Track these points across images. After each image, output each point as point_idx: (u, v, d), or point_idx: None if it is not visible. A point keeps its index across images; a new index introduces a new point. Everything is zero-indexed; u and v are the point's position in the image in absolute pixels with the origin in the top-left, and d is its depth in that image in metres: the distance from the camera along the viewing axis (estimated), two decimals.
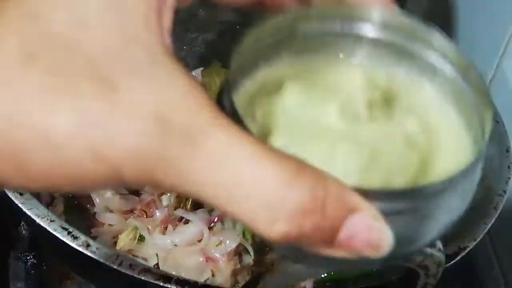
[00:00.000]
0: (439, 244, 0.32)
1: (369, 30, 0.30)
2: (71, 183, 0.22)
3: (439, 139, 0.29)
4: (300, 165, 0.22)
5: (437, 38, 0.29)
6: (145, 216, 0.60)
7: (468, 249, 0.47)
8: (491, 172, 0.56)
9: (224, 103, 0.25)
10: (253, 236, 0.58)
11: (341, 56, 0.31)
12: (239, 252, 0.58)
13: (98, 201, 0.60)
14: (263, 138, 0.26)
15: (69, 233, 0.44)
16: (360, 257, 0.23)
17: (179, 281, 0.42)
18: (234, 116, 0.23)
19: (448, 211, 0.26)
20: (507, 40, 0.69)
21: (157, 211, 0.60)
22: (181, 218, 0.59)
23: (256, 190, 0.21)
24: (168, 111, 0.21)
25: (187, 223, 0.59)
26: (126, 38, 0.22)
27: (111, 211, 0.60)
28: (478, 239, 0.49)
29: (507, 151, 0.57)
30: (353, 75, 0.30)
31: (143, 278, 0.42)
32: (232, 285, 0.57)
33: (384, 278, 0.48)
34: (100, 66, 0.21)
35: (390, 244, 0.23)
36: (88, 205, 0.60)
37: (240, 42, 0.27)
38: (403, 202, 0.24)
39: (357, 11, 0.29)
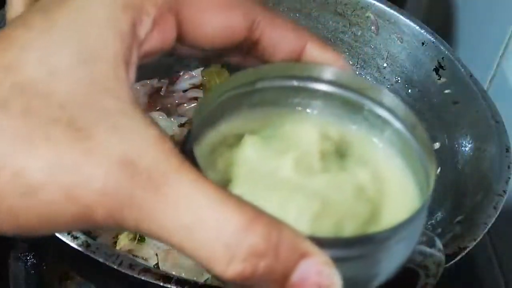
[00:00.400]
0: (439, 244, 0.33)
1: (324, 86, 0.32)
2: (44, 224, 0.24)
3: (388, 189, 0.32)
4: (257, 212, 0.23)
5: (387, 96, 0.32)
6: None
7: (468, 249, 0.47)
8: (491, 172, 0.56)
9: (187, 153, 0.26)
10: None
11: (297, 109, 0.34)
12: None
13: None
14: (223, 186, 0.28)
15: (68, 233, 0.44)
16: None
17: (179, 281, 0.42)
18: (195, 166, 0.25)
19: (395, 256, 0.28)
20: (507, 40, 0.69)
21: None
22: None
23: (215, 232, 0.23)
24: (136, 158, 0.23)
25: None
26: (97, 88, 0.24)
27: None
28: (478, 239, 0.49)
29: (507, 150, 0.57)
30: (308, 128, 0.32)
31: (143, 278, 0.42)
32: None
33: None
34: (73, 114, 0.23)
35: (338, 286, 0.24)
36: None
37: (205, 95, 0.29)
38: (351, 249, 0.26)
39: (313, 69, 0.32)
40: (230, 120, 0.32)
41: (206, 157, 0.30)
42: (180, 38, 0.29)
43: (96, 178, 0.23)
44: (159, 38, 0.27)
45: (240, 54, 0.32)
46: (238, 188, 0.29)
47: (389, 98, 0.32)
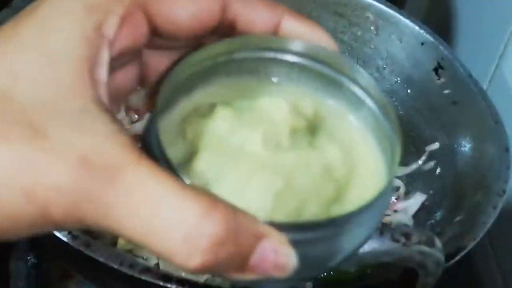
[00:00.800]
0: (439, 244, 0.33)
1: (301, 60, 0.32)
2: (6, 227, 0.24)
3: (358, 169, 0.31)
4: (213, 200, 0.24)
5: (361, 73, 0.31)
6: None
7: (467, 249, 0.47)
8: (490, 172, 0.56)
9: (151, 126, 0.27)
10: None
11: (273, 82, 0.33)
12: None
13: None
14: (189, 156, 0.29)
15: (69, 232, 0.44)
16: (268, 277, 0.25)
17: (179, 280, 0.42)
18: (157, 143, 0.26)
19: (355, 239, 0.28)
20: (506, 41, 0.69)
21: None
22: None
23: (172, 224, 0.23)
24: (92, 153, 0.24)
25: None
26: (60, 91, 0.25)
27: None
28: (478, 239, 0.49)
29: (506, 150, 0.57)
30: (282, 102, 0.32)
31: (143, 278, 0.42)
32: (232, 285, 0.56)
33: (383, 278, 0.48)
34: (33, 116, 0.24)
35: (294, 265, 0.25)
36: None
37: (177, 64, 0.29)
38: (310, 233, 0.26)
39: (291, 42, 0.32)
40: (204, 88, 0.32)
41: (176, 125, 0.31)
42: (155, 31, 0.29)
43: (53, 176, 0.23)
44: (130, 36, 0.28)
45: (218, 38, 0.32)
46: (203, 160, 0.29)
47: (362, 76, 0.32)
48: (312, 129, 0.32)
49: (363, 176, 0.31)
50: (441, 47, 0.65)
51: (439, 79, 0.65)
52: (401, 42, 0.68)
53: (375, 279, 0.54)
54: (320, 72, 0.32)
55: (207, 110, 0.31)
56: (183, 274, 0.54)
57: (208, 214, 0.23)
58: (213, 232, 0.23)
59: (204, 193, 0.24)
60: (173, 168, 0.25)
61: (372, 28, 0.69)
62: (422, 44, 0.66)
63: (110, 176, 0.23)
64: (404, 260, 0.33)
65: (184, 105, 0.31)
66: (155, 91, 0.30)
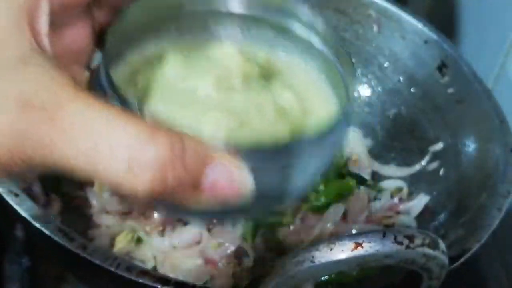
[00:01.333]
0: (443, 246, 0.33)
1: (249, 11, 0.33)
2: None
3: (311, 109, 0.32)
4: (156, 125, 0.24)
5: (309, 16, 0.32)
6: (143, 218, 0.59)
7: (472, 251, 0.47)
8: (495, 173, 0.56)
9: (100, 68, 0.27)
10: (253, 238, 0.58)
11: (226, 34, 0.34)
12: (238, 254, 0.58)
13: (95, 202, 0.59)
14: (140, 103, 0.29)
15: (65, 235, 0.43)
16: (226, 203, 0.25)
17: (177, 283, 0.41)
18: (112, 85, 0.26)
19: (306, 171, 0.28)
20: None
21: (155, 212, 0.60)
22: (179, 219, 0.59)
23: (115, 151, 0.23)
24: (32, 94, 0.24)
25: (186, 224, 0.58)
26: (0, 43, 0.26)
27: (108, 213, 0.59)
28: (482, 241, 0.48)
29: None
30: (234, 51, 0.33)
31: (140, 281, 0.41)
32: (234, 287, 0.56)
33: (384, 281, 0.48)
34: None
35: (251, 186, 0.25)
36: (85, 206, 0.60)
37: (123, 12, 0.29)
38: (259, 159, 0.26)
39: None
40: (154, 43, 0.33)
41: (126, 75, 0.31)
42: None
43: None
44: None
45: None
46: (154, 105, 0.29)
47: (311, 18, 0.32)
48: (266, 76, 0.33)
49: (316, 116, 0.32)
50: (445, 45, 0.65)
51: (443, 78, 0.65)
52: (404, 40, 0.67)
53: (376, 282, 0.54)
54: (271, 20, 0.33)
55: (159, 60, 0.32)
56: (181, 277, 0.53)
57: (151, 137, 0.23)
58: (157, 154, 0.23)
59: (146, 120, 0.24)
60: (125, 99, 0.26)
61: (374, 26, 0.68)
62: (426, 42, 0.66)
63: (50, 114, 0.24)
64: (407, 263, 0.33)
65: (133, 58, 0.32)
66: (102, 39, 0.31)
